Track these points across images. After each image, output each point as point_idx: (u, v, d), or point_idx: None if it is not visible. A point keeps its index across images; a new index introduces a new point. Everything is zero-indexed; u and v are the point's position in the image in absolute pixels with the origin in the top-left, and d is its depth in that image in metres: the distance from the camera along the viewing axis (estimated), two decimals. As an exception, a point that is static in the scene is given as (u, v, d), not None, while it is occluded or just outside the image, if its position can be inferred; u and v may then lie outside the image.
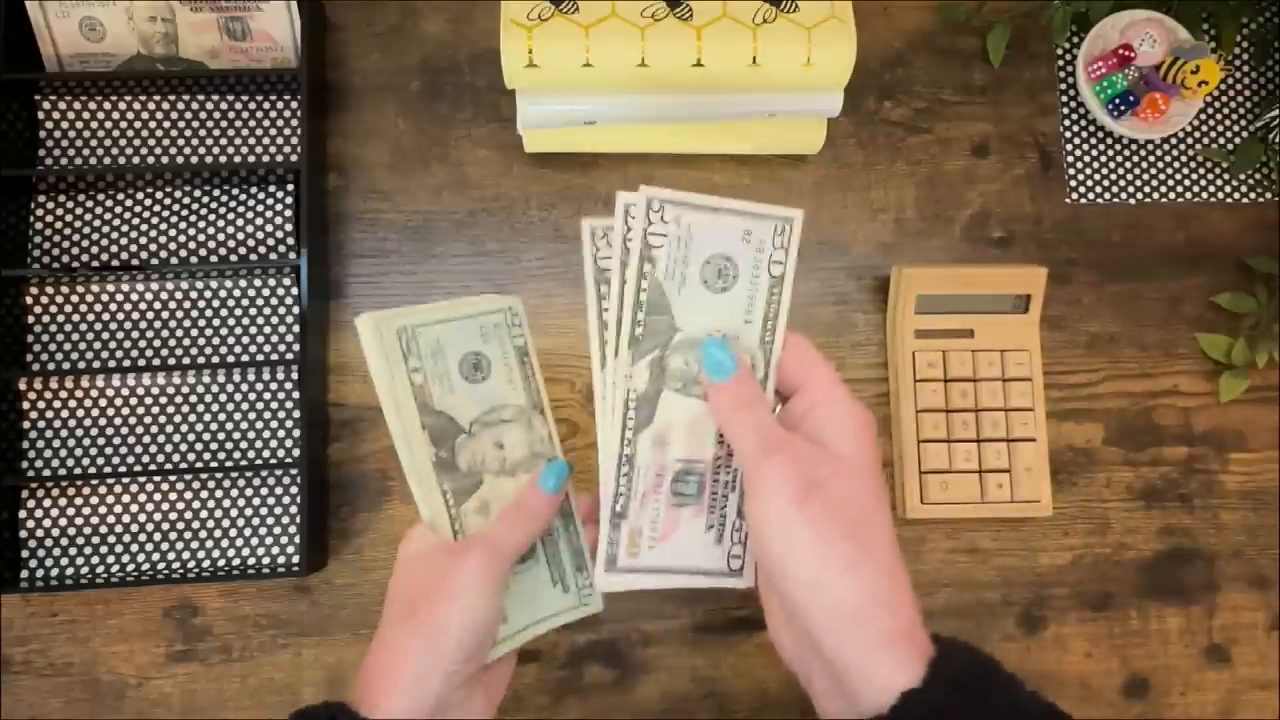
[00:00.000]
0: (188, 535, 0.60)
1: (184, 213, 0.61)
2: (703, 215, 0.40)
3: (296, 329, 0.62)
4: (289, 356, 0.62)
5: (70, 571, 0.59)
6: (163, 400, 0.61)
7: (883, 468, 0.42)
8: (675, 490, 0.42)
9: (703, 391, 0.41)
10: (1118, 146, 0.69)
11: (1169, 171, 0.69)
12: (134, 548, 0.60)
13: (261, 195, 0.62)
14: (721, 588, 0.43)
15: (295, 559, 0.60)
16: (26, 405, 0.60)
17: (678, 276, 0.40)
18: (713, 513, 0.42)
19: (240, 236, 0.60)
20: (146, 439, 0.61)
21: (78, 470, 0.60)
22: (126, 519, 0.60)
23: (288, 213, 0.61)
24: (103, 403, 0.61)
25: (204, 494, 0.61)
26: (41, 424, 0.60)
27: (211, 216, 0.61)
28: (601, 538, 0.41)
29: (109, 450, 0.60)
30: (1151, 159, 0.69)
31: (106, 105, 0.62)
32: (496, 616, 0.43)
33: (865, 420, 0.40)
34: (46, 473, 0.60)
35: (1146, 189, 0.69)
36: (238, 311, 0.62)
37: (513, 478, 0.45)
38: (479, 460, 0.45)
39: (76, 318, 0.61)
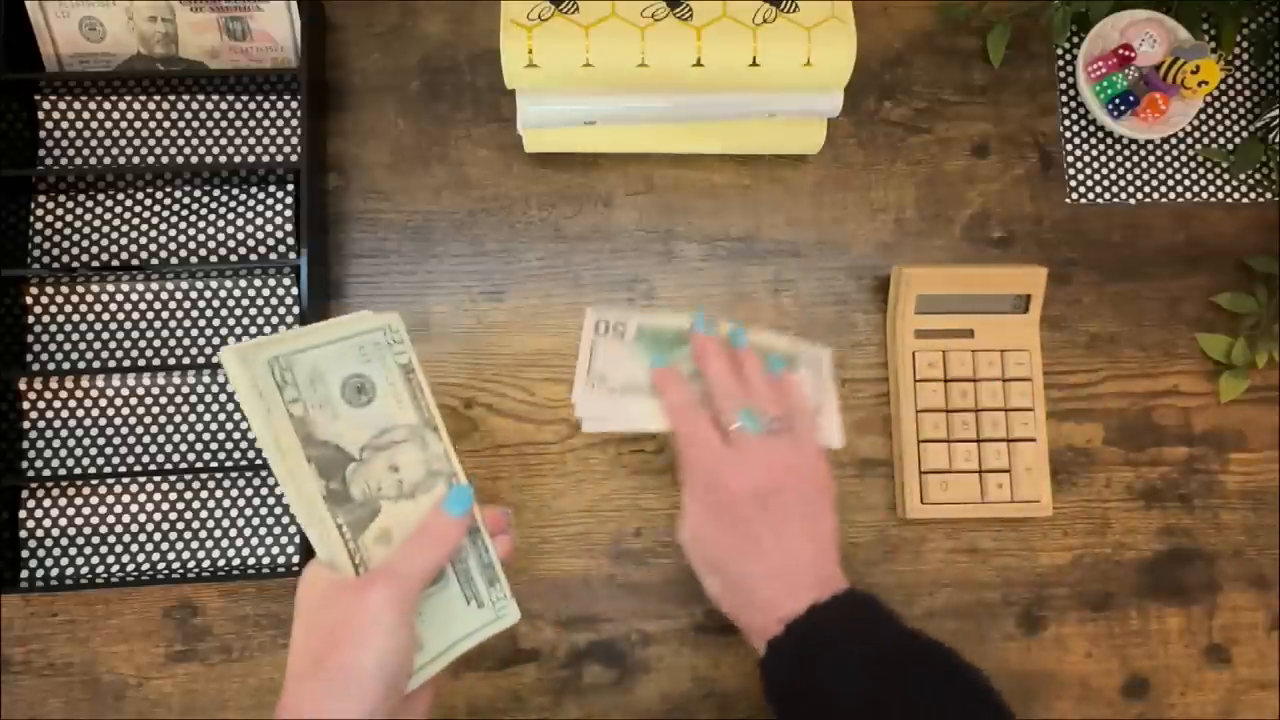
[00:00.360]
0: (188, 535, 0.60)
1: (184, 213, 0.61)
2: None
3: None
4: (289, 356, 0.62)
5: (70, 571, 0.60)
6: (163, 400, 0.61)
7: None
8: None
9: None
10: (1118, 146, 0.69)
11: (1169, 171, 0.69)
12: (134, 548, 0.60)
13: (261, 195, 0.62)
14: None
15: (295, 559, 0.60)
16: (26, 405, 0.60)
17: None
18: None
19: (240, 236, 0.60)
20: (146, 439, 0.61)
21: (78, 470, 0.60)
22: (126, 519, 0.60)
23: (288, 213, 0.61)
24: (103, 403, 0.61)
25: (204, 494, 0.61)
26: (41, 424, 0.60)
27: (211, 216, 0.61)
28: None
29: (109, 450, 0.60)
30: (1151, 159, 0.69)
31: (106, 105, 0.62)
32: (410, 649, 0.41)
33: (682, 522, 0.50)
34: (46, 473, 0.60)
35: (1146, 189, 0.69)
36: (238, 311, 0.62)
37: (412, 500, 0.44)
38: (374, 487, 0.43)
39: (76, 318, 0.61)
